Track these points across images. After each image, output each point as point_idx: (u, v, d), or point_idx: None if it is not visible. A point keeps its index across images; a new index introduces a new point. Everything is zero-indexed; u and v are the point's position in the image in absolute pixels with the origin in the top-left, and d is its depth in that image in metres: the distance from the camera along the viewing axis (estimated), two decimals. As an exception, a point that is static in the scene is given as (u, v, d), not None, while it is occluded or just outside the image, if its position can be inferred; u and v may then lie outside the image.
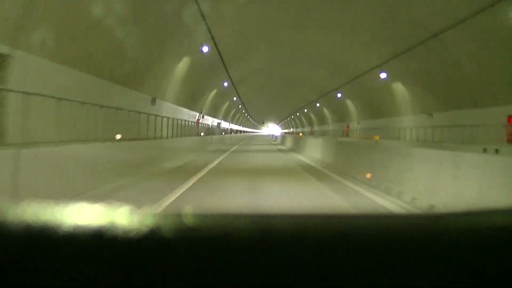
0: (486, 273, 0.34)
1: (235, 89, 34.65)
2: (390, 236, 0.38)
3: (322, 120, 48.62)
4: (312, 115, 55.01)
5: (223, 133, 35.81)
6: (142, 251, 0.34)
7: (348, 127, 36.04)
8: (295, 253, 0.35)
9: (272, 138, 55.40)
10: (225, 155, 17.82)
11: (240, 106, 49.07)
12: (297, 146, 21.34)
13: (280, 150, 22.61)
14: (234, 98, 37.90)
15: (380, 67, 21.29)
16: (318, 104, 43.11)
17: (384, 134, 24.39)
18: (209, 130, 28.74)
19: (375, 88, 24.12)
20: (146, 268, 0.33)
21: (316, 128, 55.29)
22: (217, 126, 34.93)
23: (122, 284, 0.32)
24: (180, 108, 20.55)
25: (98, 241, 0.35)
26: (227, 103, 38.66)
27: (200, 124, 25.25)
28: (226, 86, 26.51)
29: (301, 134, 43.28)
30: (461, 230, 0.39)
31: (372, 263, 0.34)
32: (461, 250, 0.36)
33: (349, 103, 33.27)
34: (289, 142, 26.61)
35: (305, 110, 54.55)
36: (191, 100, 22.46)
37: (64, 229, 0.35)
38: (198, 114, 25.22)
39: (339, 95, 32.40)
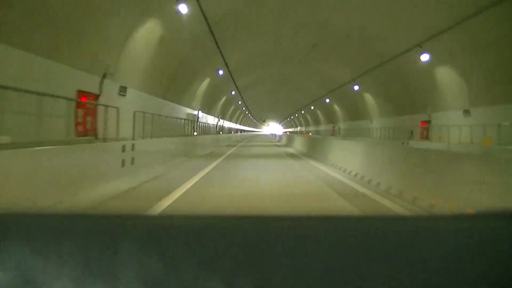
0: (484, 274, 0.35)
1: (222, 55, 18.47)
2: (388, 238, 0.38)
3: (356, 114, 32.29)
4: (337, 108, 38.67)
5: (194, 133, 19.34)
6: (142, 252, 0.35)
7: (427, 122, 19.75)
8: (294, 254, 0.35)
9: (274, 137, 44.74)
10: None
11: (233, 92, 32.85)
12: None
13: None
14: (221, 72, 21.57)
15: None
16: (356, 88, 26.89)
17: None
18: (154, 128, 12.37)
19: None
20: (145, 269, 0.34)
21: (342, 125, 38.95)
22: (186, 121, 18.58)
23: (122, 283, 0.33)
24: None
25: (98, 242, 0.35)
26: (207, 81, 22.31)
27: (99, 108, 8.88)
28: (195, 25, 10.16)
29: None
30: (459, 231, 0.40)
31: (371, 264, 0.35)
32: (460, 251, 0.37)
33: (443, 73, 16.95)
34: (347, 159, 10.09)
35: (327, 100, 38.24)
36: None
37: (65, 230, 0.36)
38: (100, 79, 8.87)
39: (424, 57, 16.19)
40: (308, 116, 61.40)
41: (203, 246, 0.35)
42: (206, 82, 22.08)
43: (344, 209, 5.22)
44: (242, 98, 41.84)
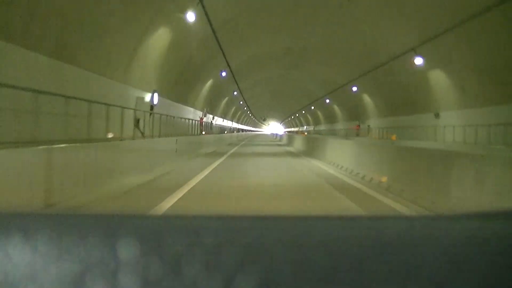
0: (485, 274, 0.35)
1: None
2: (389, 238, 0.38)
3: (405, 105, 21.97)
4: (368, 98, 28.32)
5: (109, 135, 9.07)
6: (142, 252, 0.35)
7: None
8: (296, 255, 0.35)
9: (279, 139, 39.22)
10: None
11: (225, 73, 22.53)
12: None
13: None
14: (191, 18, 11.20)
15: None
16: (418, 62, 16.60)
17: None
18: None
19: None
20: (145, 269, 0.34)
21: (374, 122, 28.54)
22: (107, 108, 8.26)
23: (122, 283, 0.33)
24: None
25: (99, 243, 0.35)
26: (168, 34, 11.94)
27: None
28: None
29: None
30: (459, 231, 0.40)
31: (372, 264, 0.35)
32: (460, 252, 0.37)
33: None
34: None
35: (354, 89, 27.93)
36: None
37: (65, 230, 0.36)
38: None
39: None
40: (319, 113, 51.03)
41: (203, 246, 0.35)
42: (165, 37, 11.71)
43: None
44: (238, 88, 31.61)
